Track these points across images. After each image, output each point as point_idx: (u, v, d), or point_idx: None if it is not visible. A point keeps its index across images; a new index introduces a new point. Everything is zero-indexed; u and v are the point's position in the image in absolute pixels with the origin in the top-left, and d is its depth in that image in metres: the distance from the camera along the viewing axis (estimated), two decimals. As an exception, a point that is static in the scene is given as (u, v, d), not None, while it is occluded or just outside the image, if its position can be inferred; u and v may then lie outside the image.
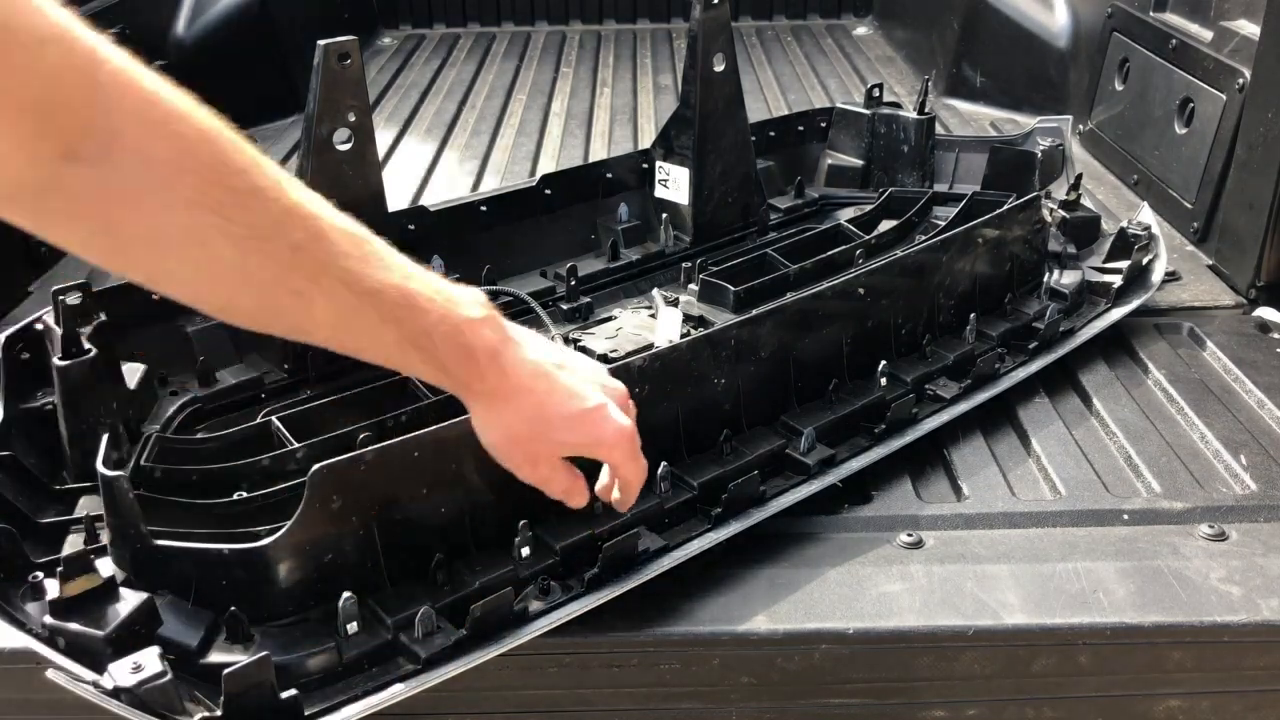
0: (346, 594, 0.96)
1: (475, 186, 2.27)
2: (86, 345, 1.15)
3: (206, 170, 0.76)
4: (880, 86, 1.94)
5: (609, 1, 3.46)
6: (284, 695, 0.87)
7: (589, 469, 1.03)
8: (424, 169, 2.37)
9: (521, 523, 1.05)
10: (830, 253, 1.55)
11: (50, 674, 0.89)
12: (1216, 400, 1.43)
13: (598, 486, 1.05)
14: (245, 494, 1.12)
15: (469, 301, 0.91)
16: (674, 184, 1.69)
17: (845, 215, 1.79)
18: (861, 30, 3.41)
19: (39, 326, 1.24)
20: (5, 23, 0.65)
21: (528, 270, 1.62)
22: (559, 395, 0.95)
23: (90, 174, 0.72)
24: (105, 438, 1.06)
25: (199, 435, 1.26)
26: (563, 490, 1.01)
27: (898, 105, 1.94)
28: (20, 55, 0.66)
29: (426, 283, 0.89)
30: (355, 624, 0.96)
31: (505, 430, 0.96)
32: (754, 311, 1.27)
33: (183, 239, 0.77)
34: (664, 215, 1.70)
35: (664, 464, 1.14)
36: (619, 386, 1.02)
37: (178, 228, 0.76)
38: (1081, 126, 2.30)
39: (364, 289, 0.84)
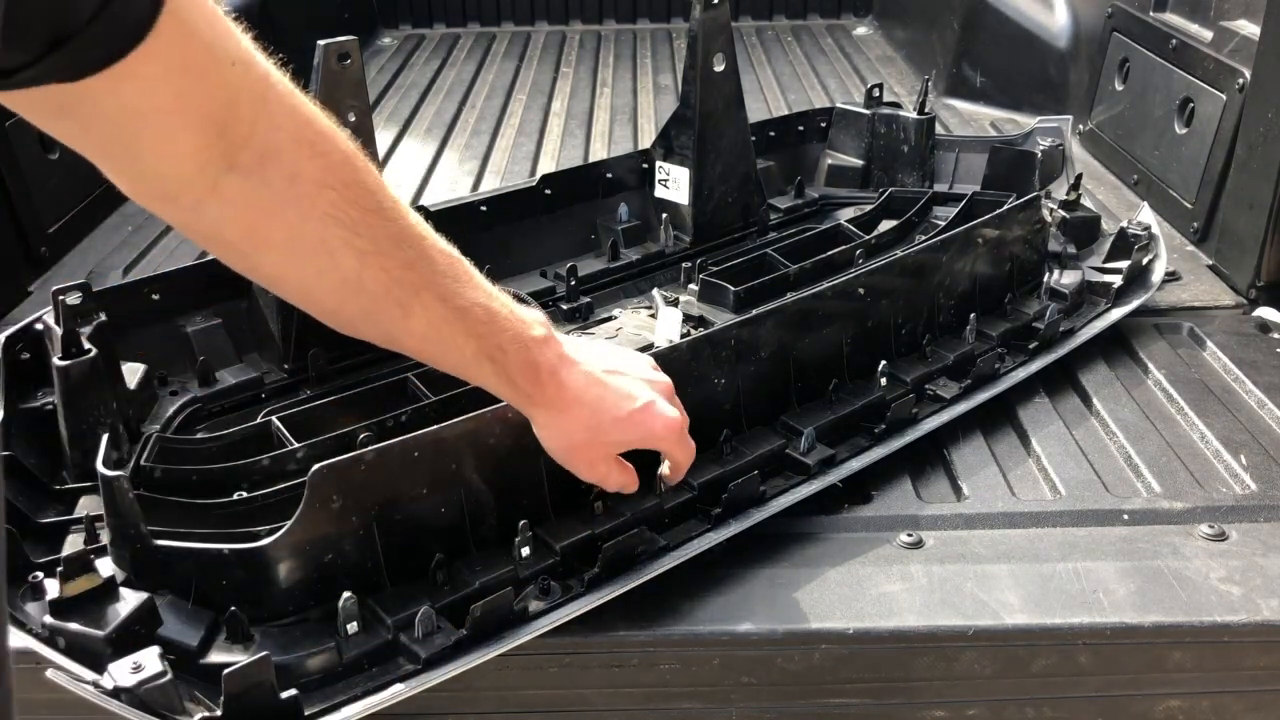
0: (346, 594, 0.96)
1: (475, 186, 2.27)
2: (86, 345, 1.15)
3: (344, 188, 0.84)
4: (880, 86, 1.94)
5: (609, 1, 3.46)
6: (284, 695, 0.87)
7: (643, 456, 1.09)
8: (424, 169, 2.37)
9: (521, 523, 1.05)
10: (830, 253, 1.55)
11: (50, 674, 0.89)
12: (1216, 400, 1.43)
13: (658, 471, 1.13)
14: (245, 494, 1.12)
15: (535, 322, 0.99)
16: (674, 184, 1.69)
17: (845, 215, 1.79)
18: (861, 30, 3.41)
19: (39, 326, 1.24)
20: (211, 45, 0.74)
21: (528, 270, 1.62)
22: (610, 400, 1.02)
23: (244, 184, 0.80)
24: (105, 438, 1.06)
25: (199, 435, 1.26)
26: (618, 485, 1.08)
27: (898, 105, 1.94)
28: (216, 74, 0.74)
29: (504, 303, 0.97)
30: (355, 624, 0.96)
31: (566, 438, 1.03)
32: (754, 311, 1.27)
33: (314, 248, 0.85)
34: (664, 215, 1.70)
35: (665, 463, 1.14)
36: (664, 379, 1.09)
37: (311, 238, 0.84)
38: (1081, 126, 2.30)
39: (456, 305, 0.92)
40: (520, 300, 1.02)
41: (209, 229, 0.83)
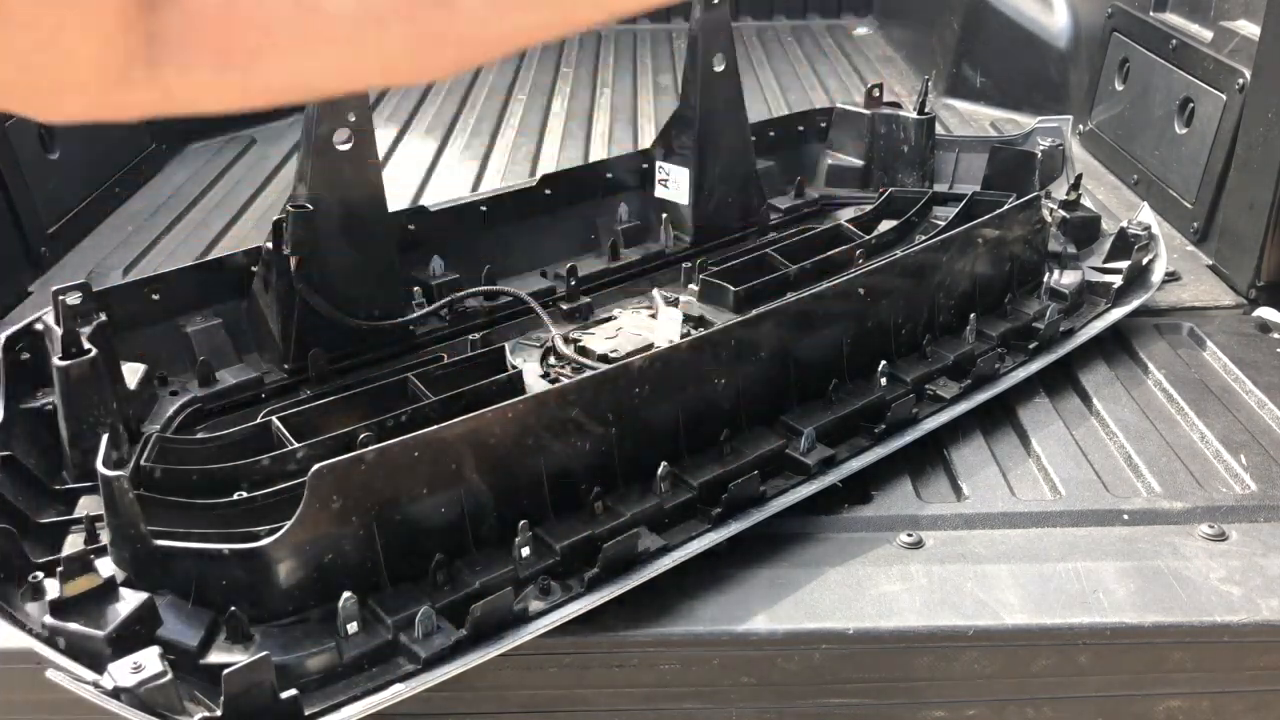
0: (346, 594, 0.96)
1: (475, 186, 2.27)
2: (86, 345, 1.15)
3: None
4: (880, 86, 1.94)
5: (609, 1, 3.46)
6: (284, 695, 0.87)
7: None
8: (424, 169, 2.37)
9: (521, 523, 1.05)
10: (830, 253, 1.55)
11: (50, 674, 0.89)
12: (1216, 400, 1.43)
13: None
14: (245, 494, 1.12)
15: None
16: (674, 184, 1.69)
17: (845, 215, 1.79)
18: (861, 30, 3.41)
19: (39, 326, 1.24)
20: None
21: (528, 270, 1.62)
22: None
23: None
24: (105, 438, 1.06)
25: (199, 435, 1.26)
26: None
27: (898, 105, 1.94)
28: None
29: None
30: (355, 624, 0.96)
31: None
32: (754, 311, 1.27)
33: None
34: (664, 215, 1.70)
35: (664, 464, 1.14)
36: None
37: None
38: (1081, 126, 2.30)
39: None
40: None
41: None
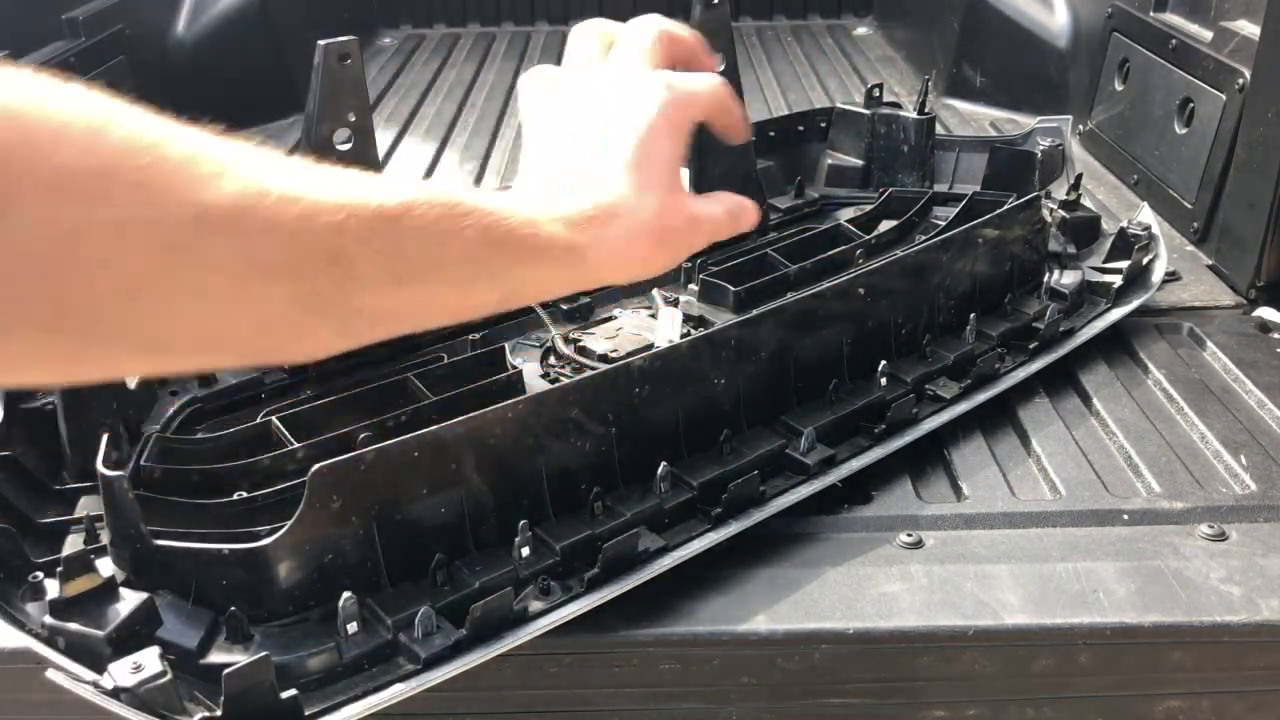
0: (346, 594, 0.96)
1: (475, 186, 2.27)
2: (86, 345, 1.14)
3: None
4: (880, 86, 1.94)
5: (609, 2, 3.46)
6: (284, 695, 0.87)
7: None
8: (424, 169, 2.37)
9: (521, 523, 1.05)
10: (830, 253, 1.55)
11: (50, 674, 0.89)
12: (1216, 400, 1.43)
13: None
14: (245, 494, 1.12)
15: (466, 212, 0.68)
16: (674, 184, 1.69)
17: (845, 215, 1.79)
18: (861, 30, 3.41)
19: (39, 326, 1.23)
20: None
21: (528, 270, 1.62)
22: (619, 166, 0.77)
23: None
24: (105, 438, 1.06)
25: (199, 435, 1.26)
26: (730, 216, 0.91)
27: (898, 105, 1.94)
28: None
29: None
30: (355, 624, 0.96)
31: (626, 263, 0.83)
32: (754, 311, 1.27)
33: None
34: (664, 215, 1.70)
35: (664, 464, 1.14)
36: (666, 89, 0.82)
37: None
38: (1081, 126, 2.30)
39: (354, 331, 0.64)
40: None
41: None
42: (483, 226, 0.67)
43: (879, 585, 1.10)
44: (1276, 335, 1.59)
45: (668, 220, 0.81)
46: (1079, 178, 1.74)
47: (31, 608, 0.99)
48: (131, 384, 1.25)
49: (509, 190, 0.79)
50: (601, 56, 0.84)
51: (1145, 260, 1.65)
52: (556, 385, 1.21)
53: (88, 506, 1.13)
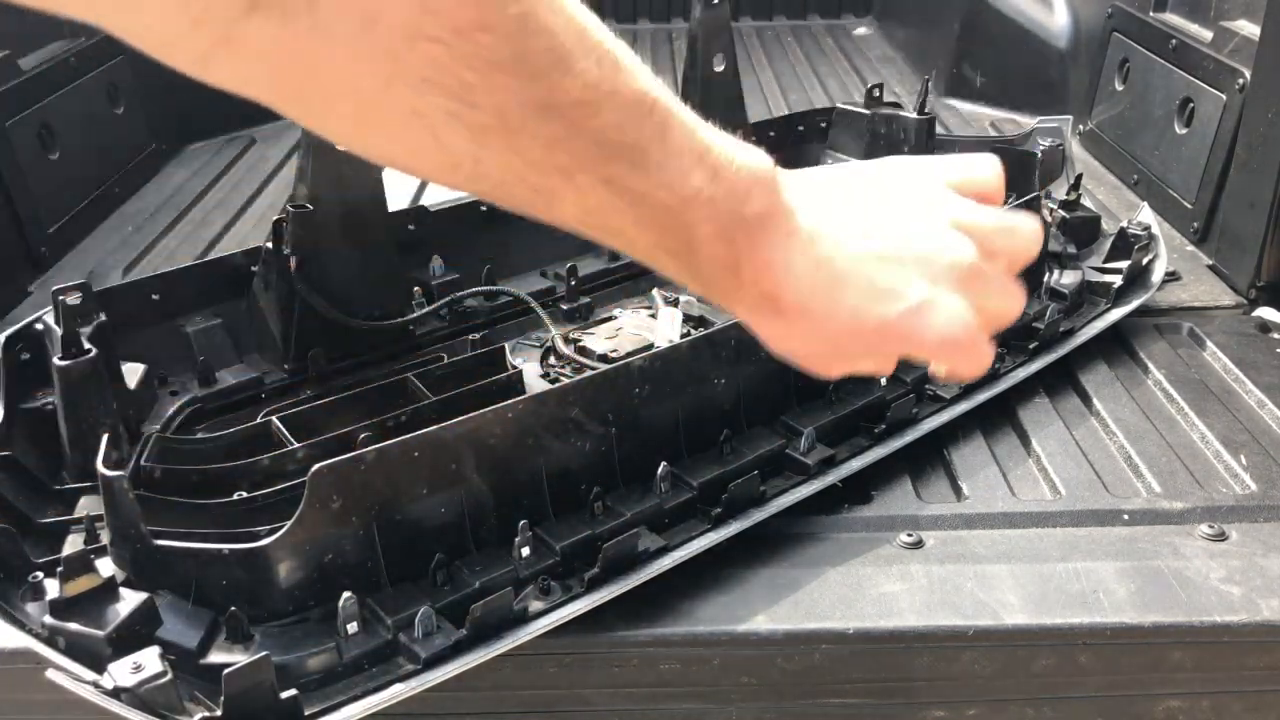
0: (346, 594, 0.96)
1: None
2: (86, 345, 1.15)
3: (459, 36, 0.55)
4: (880, 86, 1.94)
5: (609, 1, 3.46)
6: (284, 695, 0.87)
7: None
8: (424, 169, 2.36)
9: (521, 523, 1.05)
10: (830, 253, 1.55)
11: (50, 674, 0.89)
12: (1216, 400, 1.43)
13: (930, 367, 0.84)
14: (245, 494, 1.12)
15: (754, 189, 0.70)
16: (674, 184, 1.68)
17: (845, 215, 1.79)
18: (861, 30, 3.41)
19: (39, 326, 1.24)
20: None
21: (528, 270, 1.62)
22: (856, 303, 0.72)
23: (277, 31, 0.52)
24: (105, 438, 1.06)
25: (199, 435, 1.26)
26: (874, 372, 0.86)
27: (898, 105, 1.94)
28: None
29: (712, 169, 0.68)
30: (355, 624, 0.96)
31: (790, 346, 0.76)
32: (754, 311, 1.27)
33: (402, 123, 0.58)
34: (664, 215, 1.69)
35: (664, 464, 1.14)
36: (962, 250, 0.75)
37: (397, 109, 0.57)
38: (1081, 126, 2.30)
39: (627, 189, 0.65)
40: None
41: (231, 84, 0.56)
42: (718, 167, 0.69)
43: (879, 585, 1.10)
44: (1276, 335, 1.59)
45: (843, 343, 0.76)
46: (1079, 178, 1.74)
47: (31, 608, 0.99)
48: (131, 384, 1.25)
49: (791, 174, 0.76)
50: (962, 198, 0.81)
51: (1145, 260, 1.65)
52: (556, 385, 1.21)
53: (88, 506, 1.13)
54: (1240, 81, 1.74)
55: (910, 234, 0.75)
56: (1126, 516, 1.22)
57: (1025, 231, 0.81)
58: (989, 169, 0.85)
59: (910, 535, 1.17)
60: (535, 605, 1.03)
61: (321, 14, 0.52)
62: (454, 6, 0.54)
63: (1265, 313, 1.63)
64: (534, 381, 1.37)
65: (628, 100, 0.65)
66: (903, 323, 0.73)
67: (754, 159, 0.71)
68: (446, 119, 0.57)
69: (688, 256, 0.70)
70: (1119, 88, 2.16)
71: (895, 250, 0.74)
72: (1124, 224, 1.66)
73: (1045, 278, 1.60)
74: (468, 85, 0.56)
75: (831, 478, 1.23)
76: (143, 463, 1.12)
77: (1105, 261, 1.64)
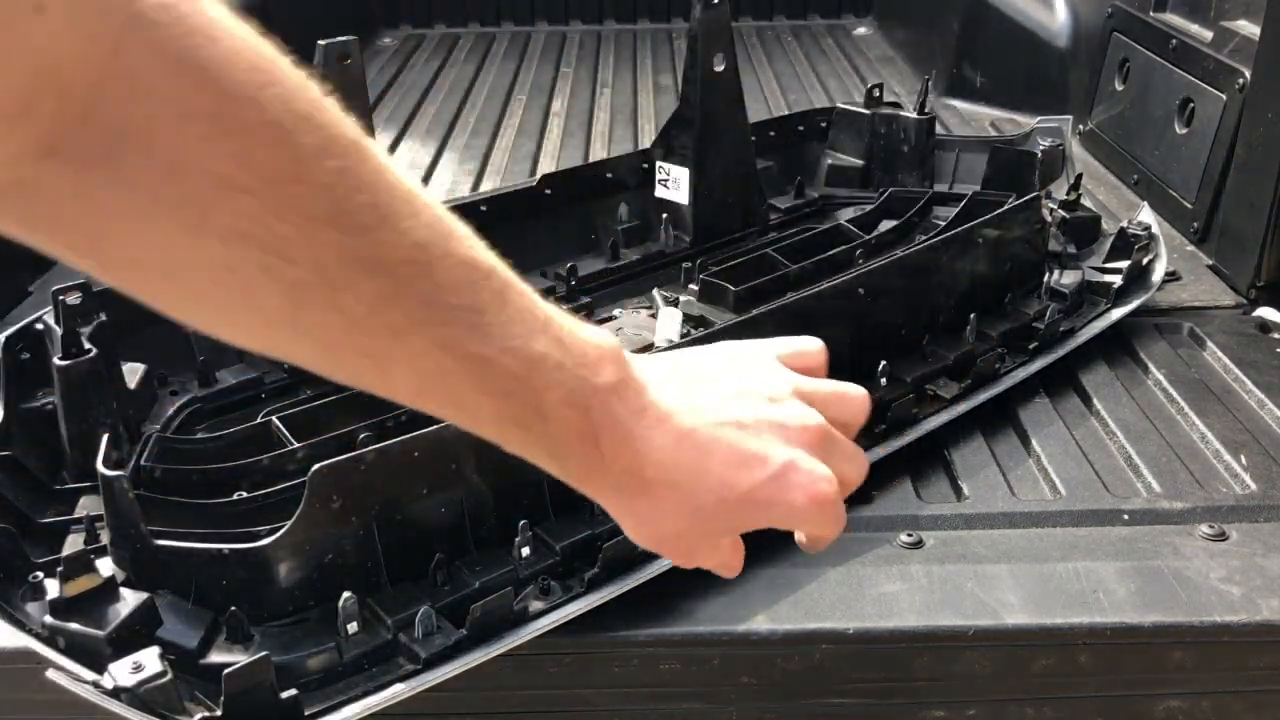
0: (346, 594, 0.96)
1: (475, 186, 2.27)
2: (86, 345, 1.15)
3: (272, 188, 0.53)
4: (880, 86, 1.94)
5: (609, 1, 3.46)
6: (284, 695, 0.87)
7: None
8: (424, 169, 2.37)
9: (521, 523, 1.05)
10: (830, 252, 1.55)
11: (50, 674, 0.89)
12: (1216, 400, 1.43)
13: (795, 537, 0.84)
14: (245, 494, 1.12)
15: (603, 358, 0.68)
16: (674, 184, 1.69)
17: (845, 215, 1.79)
18: (861, 30, 3.41)
19: (39, 326, 1.24)
20: None
21: (528, 270, 1.61)
22: (720, 472, 0.71)
23: (74, 178, 0.50)
24: (105, 438, 1.06)
25: (199, 435, 1.26)
26: (719, 568, 0.82)
27: (898, 105, 1.94)
28: (11, 24, 0.45)
29: (557, 338, 0.66)
30: (355, 624, 0.96)
31: (652, 528, 0.74)
32: (754, 311, 1.27)
33: (213, 278, 0.55)
34: (664, 215, 1.70)
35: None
36: (811, 416, 0.76)
37: (208, 263, 0.54)
38: (1081, 126, 2.30)
39: (468, 354, 0.62)
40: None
41: (21, 229, 0.52)
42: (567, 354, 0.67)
43: (879, 585, 1.10)
44: (1276, 335, 1.59)
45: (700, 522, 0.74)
46: (1079, 178, 1.74)
47: (32, 608, 0.99)
48: (131, 384, 1.25)
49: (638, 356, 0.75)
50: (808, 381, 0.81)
51: (1145, 260, 1.65)
52: (556, 385, 1.20)
53: (88, 506, 1.13)
54: (1240, 81, 1.74)
55: (761, 403, 0.75)
56: (1126, 516, 1.22)
57: (856, 398, 0.83)
58: (814, 344, 0.87)
59: (910, 535, 1.17)
60: (535, 605, 1.03)
61: (125, 160, 0.50)
62: (266, 157, 0.53)
63: (1265, 313, 1.63)
64: (534, 381, 1.37)
65: (462, 262, 0.63)
66: (771, 486, 0.72)
67: (599, 334, 0.70)
68: (260, 273, 0.54)
69: (540, 426, 0.66)
70: (1119, 88, 2.16)
71: (752, 417, 0.73)
72: (1124, 224, 1.66)
73: (1045, 278, 1.60)
74: (283, 238, 0.54)
75: (831, 478, 1.23)
76: (143, 463, 1.12)
77: (1105, 261, 1.64)
